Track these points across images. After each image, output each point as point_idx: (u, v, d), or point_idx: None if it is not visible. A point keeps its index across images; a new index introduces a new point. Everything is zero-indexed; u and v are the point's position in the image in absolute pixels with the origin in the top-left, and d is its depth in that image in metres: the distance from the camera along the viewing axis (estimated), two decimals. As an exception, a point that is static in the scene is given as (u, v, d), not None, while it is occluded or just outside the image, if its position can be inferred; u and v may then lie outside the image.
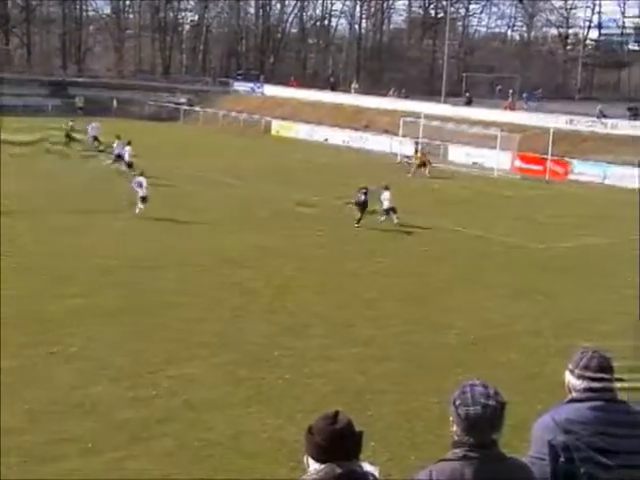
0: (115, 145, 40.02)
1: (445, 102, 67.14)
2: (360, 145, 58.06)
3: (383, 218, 30.41)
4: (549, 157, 48.77)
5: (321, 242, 27.51)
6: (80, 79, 79.82)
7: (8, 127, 44.14)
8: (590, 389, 4.46)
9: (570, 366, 4.59)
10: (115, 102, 71.36)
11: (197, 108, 71.53)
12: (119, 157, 38.99)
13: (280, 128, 65.16)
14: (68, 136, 46.02)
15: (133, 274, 21.96)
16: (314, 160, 47.06)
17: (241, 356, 16.32)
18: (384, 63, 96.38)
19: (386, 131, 58.23)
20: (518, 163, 50.22)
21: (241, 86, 79.09)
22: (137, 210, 29.56)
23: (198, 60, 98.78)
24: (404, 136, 53.08)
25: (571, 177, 47.86)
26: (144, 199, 29.59)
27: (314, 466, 3.88)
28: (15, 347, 15.94)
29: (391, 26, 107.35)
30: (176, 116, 71.18)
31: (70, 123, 47.74)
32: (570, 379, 4.57)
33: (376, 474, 4.05)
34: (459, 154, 52.46)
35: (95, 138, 44.45)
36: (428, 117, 53.85)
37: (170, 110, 72.69)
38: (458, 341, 17.94)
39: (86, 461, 11.81)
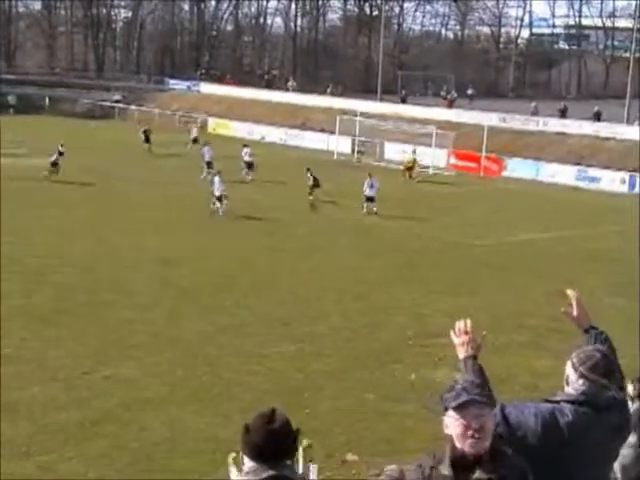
0: (205, 150, 40.11)
1: (381, 100, 67.55)
2: (297, 143, 58.02)
3: (366, 205, 32.43)
4: (483, 154, 49.44)
5: (259, 241, 27.44)
6: (11, 76, 78.25)
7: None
8: (589, 393, 4.36)
9: (575, 361, 4.47)
10: (47, 100, 70.26)
11: (132, 106, 70.75)
12: (209, 164, 38.76)
13: (217, 126, 64.80)
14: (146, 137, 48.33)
15: (67, 274, 21.63)
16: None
17: (178, 355, 16.20)
18: (320, 61, 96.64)
19: (323, 129, 58.33)
20: (453, 160, 50.80)
21: (176, 84, 78.46)
22: (215, 209, 30.47)
23: (132, 57, 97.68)
24: (341, 134, 53.27)
25: (505, 174, 48.57)
26: (220, 198, 30.39)
27: (249, 465, 3.85)
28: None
29: (326, 24, 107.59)
30: (110, 114, 70.30)
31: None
32: (570, 373, 4.46)
33: (314, 471, 4.03)
34: (395, 151, 52.76)
35: (208, 164, 39.32)
36: (364, 115, 54.13)
37: (104, 108, 71.78)
38: (395, 337, 18.06)
39: (19, 465, 11.59)
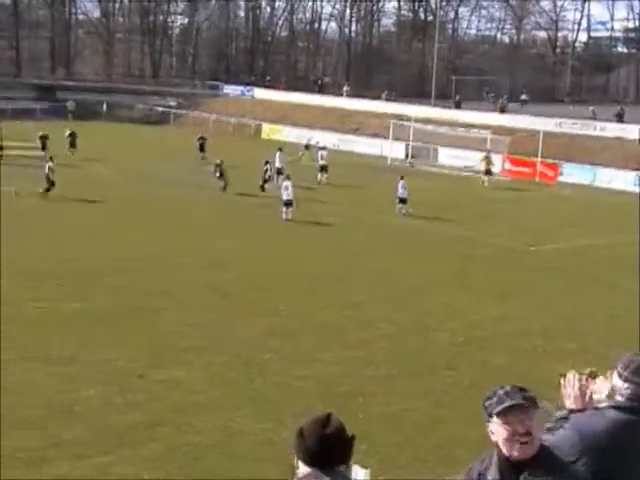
0: (277, 156, 40.80)
1: (435, 105, 67.25)
2: (350, 148, 58.05)
3: (399, 207, 33.18)
4: (539, 160, 48.88)
5: (306, 245, 27.52)
6: (69, 83, 79.71)
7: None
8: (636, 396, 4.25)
9: (619, 368, 4.36)
10: (105, 106, 71.28)
11: (187, 111, 71.45)
12: (279, 170, 39.26)
13: (270, 131, 65.13)
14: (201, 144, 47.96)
15: (121, 278, 21.94)
16: (304, 162, 47.01)
17: (229, 359, 16.32)
18: (373, 66, 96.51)
19: (376, 134, 58.29)
20: (508, 166, 50.31)
21: (231, 89, 79.08)
22: (283, 215, 30.95)
23: (187, 63, 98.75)
24: (394, 139, 53.18)
25: (561, 179, 47.95)
26: (288, 203, 30.92)
27: (303, 469, 3.82)
28: (10, 353, 15.93)
29: (381, 29, 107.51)
30: (166, 119, 71.06)
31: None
32: (616, 382, 4.35)
33: (367, 477, 3.99)
34: (449, 157, 52.52)
35: (279, 170, 39.46)
36: (418, 120, 53.96)
37: (160, 113, 72.60)
38: (447, 343, 17.97)
39: (74, 466, 11.78)
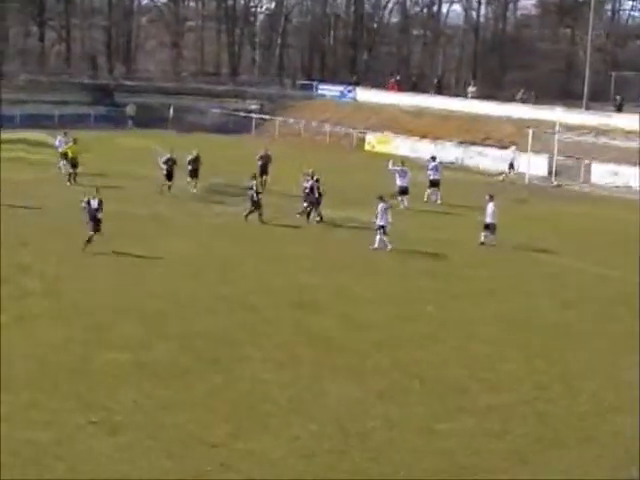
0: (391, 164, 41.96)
1: (587, 108, 66.47)
2: (477, 162, 57.80)
3: (484, 235, 33.32)
4: None
5: (421, 283, 27.54)
6: (129, 82, 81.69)
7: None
8: None
9: None
10: (172, 110, 72.72)
11: (272, 117, 72.39)
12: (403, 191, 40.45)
13: (376, 142, 65.34)
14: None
15: (188, 321, 22.36)
16: (420, 179, 47.06)
17: (323, 427, 16.44)
18: (508, 59, 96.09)
19: (510, 145, 57.94)
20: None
21: (327, 90, 79.78)
22: (376, 243, 31.65)
23: (274, 58, 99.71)
24: (533, 152, 52.75)
25: None
26: (383, 229, 31.62)
27: None
28: (49, 413, 16.42)
29: (517, 12, 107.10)
30: (246, 127, 72.08)
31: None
32: None
33: None
34: (605, 174, 51.76)
35: (403, 190, 41.02)
36: (565, 127, 53.41)
37: (239, 120, 73.69)
38: (590, 409, 17.82)
39: None
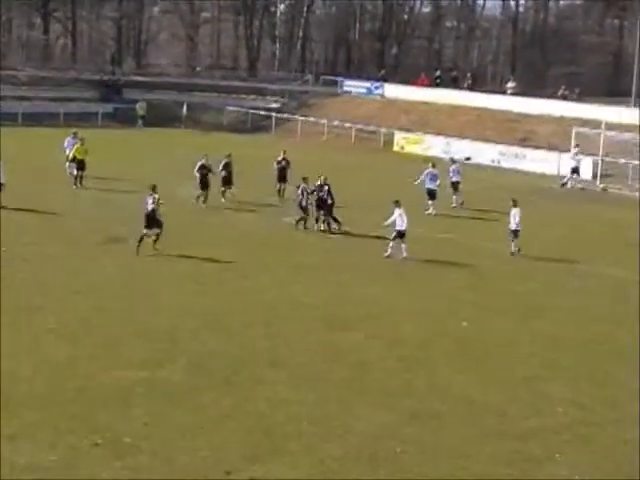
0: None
1: (637, 105, 66.19)
2: (515, 165, 57.68)
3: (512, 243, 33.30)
4: None
5: (458, 296, 27.41)
6: (140, 78, 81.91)
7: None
8: None
9: None
10: (185, 108, 72.92)
11: (294, 116, 72.44)
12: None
13: (405, 142, 65.37)
14: None
15: (204, 337, 22.29)
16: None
17: (347, 452, 16.32)
18: (549, 53, 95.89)
19: (552, 146, 57.78)
20: None
21: (353, 86, 79.80)
22: (389, 250, 31.63)
23: (296, 51, 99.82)
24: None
25: None
26: (401, 235, 31.52)
27: None
28: (54, 434, 16.36)
29: (560, 2, 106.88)
30: (265, 126, 72.20)
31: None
32: None
33: None
34: (655, 177, 51.55)
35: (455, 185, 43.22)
36: (612, 127, 53.16)
37: (258, 119, 73.79)
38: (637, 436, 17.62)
39: None
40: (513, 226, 33.34)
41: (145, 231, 30.69)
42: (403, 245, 31.62)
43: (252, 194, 41.17)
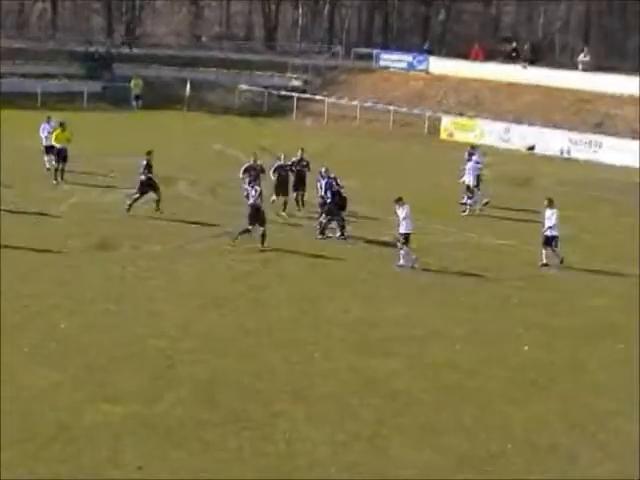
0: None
1: None
2: (589, 156, 57.55)
3: (545, 254, 32.91)
4: None
5: (519, 314, 27.40)
6: (132, 50, 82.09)
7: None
8: None
9: None
10: (189, 87, 72.89)
11: (320, 96, 72.45)
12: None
13: (455, 127, 65.34)
14: None
15: (209, 361, 22.35)
16: (510, 175, 46.87)
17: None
18: (631, 21, 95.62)
19: (634, 133, 57.69)
20: None
21: (391, 60, 79.71)
22: (401, 260, 31.82)
23: (322, 19, 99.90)
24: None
25: None
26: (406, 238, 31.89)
27: None
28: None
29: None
30: (285, 108, 72.22)
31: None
32: None
33: None
34: None
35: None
36: None
37: (276, 100, 73.85)
38: None
39: None
40: (548, 232, 32.51)
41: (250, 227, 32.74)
42: (402, 251, 31.70)
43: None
